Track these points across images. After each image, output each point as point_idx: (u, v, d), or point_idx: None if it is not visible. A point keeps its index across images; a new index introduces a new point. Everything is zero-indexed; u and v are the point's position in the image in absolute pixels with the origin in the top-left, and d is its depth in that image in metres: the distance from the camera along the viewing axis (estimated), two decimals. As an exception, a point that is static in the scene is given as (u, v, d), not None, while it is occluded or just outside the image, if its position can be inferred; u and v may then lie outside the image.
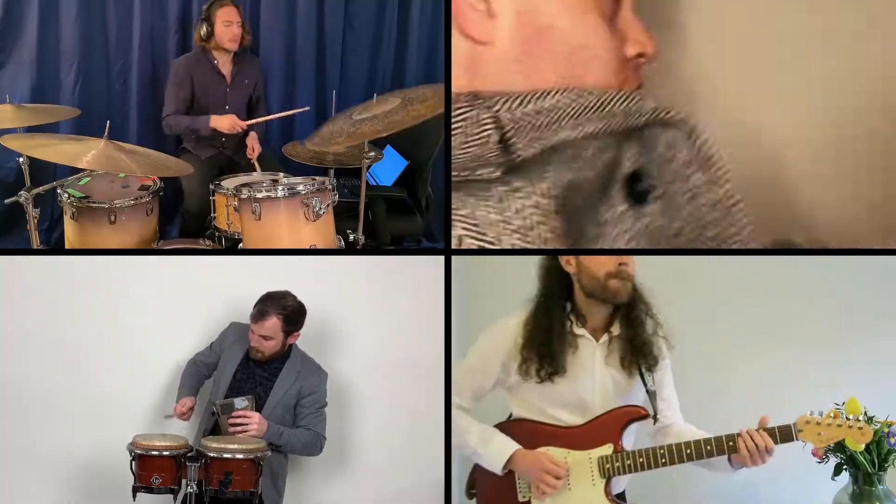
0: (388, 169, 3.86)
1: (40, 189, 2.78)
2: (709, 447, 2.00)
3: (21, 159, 2.82)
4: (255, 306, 2.48)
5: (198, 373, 2.60)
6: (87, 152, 2.53)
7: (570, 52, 1.58)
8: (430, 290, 2.52)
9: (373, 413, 2.74)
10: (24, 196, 2.72)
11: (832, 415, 2.05)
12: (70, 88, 3.70)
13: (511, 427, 2.12)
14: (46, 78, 3.66)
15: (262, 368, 2.51)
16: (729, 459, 2.02)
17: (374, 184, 3.88)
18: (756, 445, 1.94)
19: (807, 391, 2.47)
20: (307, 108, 3.65)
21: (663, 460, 2.01)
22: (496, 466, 2.05)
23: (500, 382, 2.12)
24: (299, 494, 2.70)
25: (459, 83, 1.59)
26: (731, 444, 1.98)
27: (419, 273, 2.65)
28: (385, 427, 2.74)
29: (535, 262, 2.18)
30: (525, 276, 2.22)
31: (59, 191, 3.00)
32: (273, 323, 2.45)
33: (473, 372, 2.14)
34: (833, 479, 2.22)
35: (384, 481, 2.72)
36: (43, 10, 3.60)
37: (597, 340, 2.08)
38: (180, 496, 2.27)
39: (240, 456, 2.27)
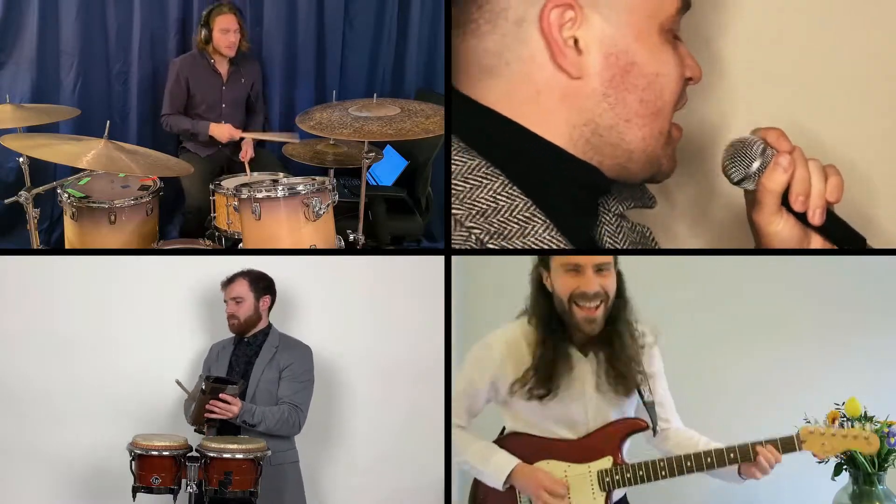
0: (388, 169, 3.86)
1: (40, 189, 2.78)
2: (709, 459, 1.99)
3: (21, 159, 2.83)
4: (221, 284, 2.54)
5: None
6: (87, 152, 2.53)
7: (649, 82, 1.75)
8: (430, 290, 2.52)
9: (373, 413, 2.74)
10: (24, 196, 2.73)
11: (834, 423, 2.07)
12: (70, 88, 3.70)
13: (509, 441, 2.09)
14: (46, 78, 3.66)
15: (244, 351, 2.51)
16: (738, 470, 2.00)
17: (374, 184, 3.88)
18: (763, 457, 1.95)
19: (806, 391, 2.47)
20: (296, 134, 3.58)
21: (663, 473, 1.99)
22: (497, 483, 2.03)
23: (492, 399, 2.12)
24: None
25: (552, 111, 1.75)
26: (731, 455, 1.97)
27: (419, 273, 2.65)
28: (385, 427, 2.74)
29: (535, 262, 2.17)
30: (524, 276, 2.22)
31: (59, 191, 3.00)
32: (240, 284, 2.51)
33: (465, 393, 2.13)
34: (833, 479, 2.22)
35: (384, 481, 2.72)
36: (43, 10, 3.60)
37: (585, 356, 2.04)
38: (180, 496, 2.27)
39: (240, 456, 2.26)
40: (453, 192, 1.74)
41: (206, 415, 2.36)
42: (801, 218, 1.84)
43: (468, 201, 1.72)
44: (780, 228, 1.85)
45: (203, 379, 2.45)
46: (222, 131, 3.58)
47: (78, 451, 2.64)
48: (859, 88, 2.16)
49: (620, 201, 1.93)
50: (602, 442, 2.02)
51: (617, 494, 2.06)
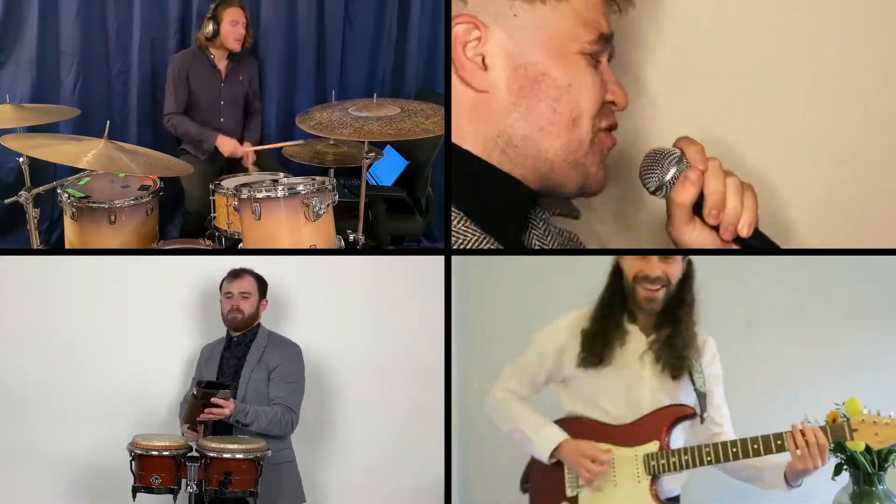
0: (388, 169, 3.86)
1: (40, 189, 2.78)
2: (756, 445, 1.99)
3: (21, 159, 2.82)
4: (226, 277, 2.54)
5: None
6: (87, 152, 2.53)
7: (561, 92, 1.79)
8: (430, 290, 2.52)
9: (373, 413, 2.74)
10: (24, 196, 2.73)
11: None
12: (70, 88, 3.70)
13: (563, 424, 2.16)
14: (46, 78, 3.66)
15: (234, 352, 2.52)
16: (785, 478, 2.02)
17: (374, 184, 3.88)
18: (807, 442, 1.94)
19: (806, 391, 2.47)
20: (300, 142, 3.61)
21: (708, 458, 2.02)
22: (544, 454, 2.12)
23: (553, 376, 2.20)
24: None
25: (464, 125, 1.82)
26: (779, 442, 1.98)
27: (419, 273, 2.65)
28: (385, 427, 2.74)
29: (535, 262, 2.19)
30: (525, 277, 2.22)
31: (59, 191, 3.00)
32: (249, 280, 2.54)
33: (532, 365, 2.23)
34: (833, 479, 2.22)
35: (384, 481, 2.72)
36: (43, 10, 3.60)
37: (646, 337, 2.13)
38: (180, 496, 2.27)
39: (240, 456, 2.26)
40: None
41: (199, 418, 2.35)
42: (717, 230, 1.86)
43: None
44: (693, 238, 1.88)
45: (195, 384, 2.44)
46: (227, 146, 3.59)
47: (78, 451, 2.64)
48: (775, 97, 2.18)
49: (545, 209, 2.00)
50: (650, 426, 2.07)
51: (671, 491, 2.11)
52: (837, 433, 1.97)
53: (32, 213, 2.77)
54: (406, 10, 4.08)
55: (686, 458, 2.03)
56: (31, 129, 3.05)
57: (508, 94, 1.77)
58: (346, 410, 2.74)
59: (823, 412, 2.19)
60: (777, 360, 2.59)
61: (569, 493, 2.11)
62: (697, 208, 1.85)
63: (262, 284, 2.57)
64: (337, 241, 3.02)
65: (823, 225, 2.19)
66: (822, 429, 1.97)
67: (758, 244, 1.87)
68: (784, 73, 2.13)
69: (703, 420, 2.07)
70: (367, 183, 3.19)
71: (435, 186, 3.81)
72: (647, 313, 2.12)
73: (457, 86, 1.80)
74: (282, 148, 3.54)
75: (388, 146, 3.74)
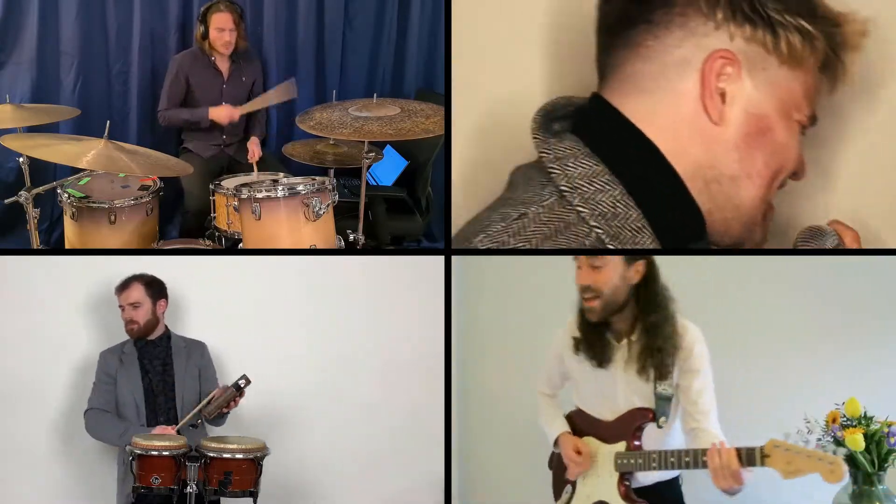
0: (388, 169, 3.86)
1: (40, 189, 2.78)
2: (688, 458, 2.04)
3: (21, 159, 2.82)
4: (116, 288, 2.56)
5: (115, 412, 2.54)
6: (87, 152, 2.53)
7: (777, 150, 1.93)
8: (430, 290, 2.52)
9: (373, 413, 2.74)
10: (24, 196, 2.72)
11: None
12: (70, 88, 3.70)
13: (573, 416, 2.30)
14: (46, 78, 3.65)
15: (155, 353, 2.55)
16: None
17: (374, 184, 3.88)
18: (721, 463, 1.96)
19: (806, 391, 2.47)
20: (292, 79, 3.64)
21: (654, 465, 2.10)
22: (551, 442, 2.29)
23: (566, 375, 2.31)
24: (299, 494, 2.70)
25: (686, 149, 1.91)
26: (704, 459, 2.00)
27: (419, 273, 2.65)
28: (385, 427, 2.74)
29: (534, 262, 2.19)
30: (524, 276, 2.22)
31: (59, 191, 3.00)
32: (136, 288, 2.54)
33: (548, 364, 2.35)
34: (833, 479, 2.22)
35: (384, 481, 2.72)
36: (43, 9, 3.59)
37: (618, 342, 2.17)
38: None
39: (239, 456, 2.27)
40: (579, 190, 1.87)
41: (224, 409, 2.42)
42: None
43: (592, 202, 1.86)
44: None
45: (242, 379, 2.44)
46: (221, 113, 3.58)
47: (77, 451, 2.64)
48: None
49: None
50: (622, 426, 2.16)
51: (644, 478, 2.15)
52: (750, 458, 1.95)
53: (32, 213, 2.77)
54: (406, 10, 4.08)
55: (640, 461, 2.11)
56: (31, 129, 3.05)
57: (735, 135, 1.89)
58: (346, 410, 2.74)
59: (823, 412, 2.19)
60: (777, 360, 2.59)
61: (568, 476, 2.23)
62: None
63: (153, 288, 2.57)
64: (337, 241, 3.02)
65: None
66: (738, 451, 1.96)
67: None
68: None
69: (658, 425, 2.11)
70: (367, 183, 3.19)
71: (435, 186, 3.81)
72: (620, 319, 2.16)
73: (692, 107, 1.88)
74: (282, 145, 3.53)
75: (388, 146, 3.74)
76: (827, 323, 2.58)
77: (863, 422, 2.15)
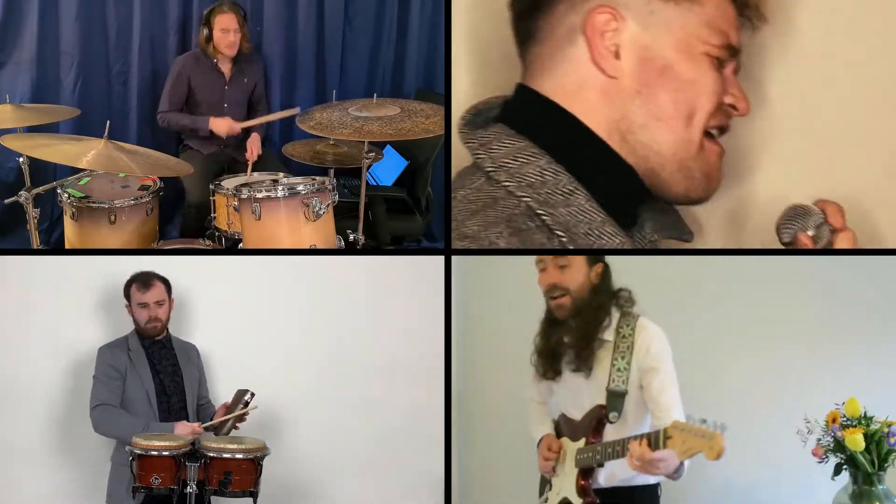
0: (388, 169, 3.86)
1: (40, 189, 2.78)
2: (618, 447, 2.07)
3: (21, 159, 2.82)
4: (131, 283, 2.53)
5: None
6: (87, 152, 2.53)
7: (683, 85, 1.90)
8: (430, 290, 2.52)
9: (373, 413, 2.74)
10: (24, 196, 2.73)
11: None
12: (70, 88, 3.70)
13: (558, 421, 2.35)
14: (46, 78, 3.65)
15: (164, 353, 2.54)
16: None
17: (374, 184, 3.88)
18: (632, 451, 1.99)
19: (806, 391, 2.47)
20: (297, 109, 3.63)
21: (598, 457, 2.13)
22: (536, 445, 2.33)
23: (547, 387, 2.34)
24: (299, 494, 2.70)
25: (592, 107, 1.93)
26: (629, 447, 2.02)
27: (419, 273, 2.65)
28: (385, 427, 2.74)
29: (534, 262, 2.20)
30: (525, 276, 2.22)
31: (59, 191, 3.00)
32: (158, 286, 2.53)
33: (534, 378, 2.37)
34: (833, 479, 2.22)
35: (384, 481, 2.72)
36: (43, 10, 3.59)
37: (580, 347, 2.19)
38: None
39: (240, 456, 2.27)
40: (504, 168, 1.90)
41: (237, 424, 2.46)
42: None
43: (517, 175, 1.88)
44: None
45: (248, 395, 2.47)
46: (222, 125, 3.58)
47: (77, 451, 2.64)
48: None
49: (657, 230, 2.06)
50: (584, 424, 2.20)
51: (603, 477, 2.17)
52: (655, 441, 1.95)
53: (32, 213, 2.77)
54: (406, 10, 4.08)
55: (591, 455, 2.15)
56: (31, 129, 3.05)
57: (634, 82, 1.89)
58: (346, 410, 2.73)
59: (823, 412, 2.19)
60: (777, 360, 2.59)
61: (541, 472, 2.32)
62: None
63: (168, 286, 2.57)
64: (337, 241, 3.02)
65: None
66: (648, 436, 1.97)
67: None
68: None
69: (610, 421, 2.14)
70: (367, 183, 3.19)
71: (435, 186, 3.81)
72: (581, 320, 2.19)
73: (587, 69, 1.91)
74: (281, 145, 3.53)
75: (388, 146, 3.74)
76: (827, 323, 2.58)
77: (863, 422, 2.15)
